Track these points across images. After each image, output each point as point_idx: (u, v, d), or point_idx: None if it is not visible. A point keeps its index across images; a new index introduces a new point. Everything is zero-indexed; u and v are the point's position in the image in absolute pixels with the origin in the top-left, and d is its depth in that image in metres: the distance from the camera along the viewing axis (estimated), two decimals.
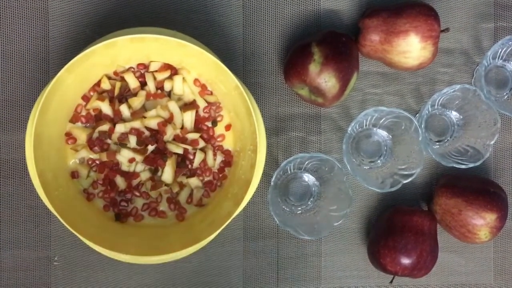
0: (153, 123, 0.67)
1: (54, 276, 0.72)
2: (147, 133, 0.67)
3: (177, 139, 0.68)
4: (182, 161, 0.68)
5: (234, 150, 0.69)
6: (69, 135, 0.67)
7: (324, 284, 0.75)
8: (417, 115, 0.74)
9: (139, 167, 0.68)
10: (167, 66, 0.67)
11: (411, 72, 0.75)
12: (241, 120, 0.65)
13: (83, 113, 0.67)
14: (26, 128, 0.64)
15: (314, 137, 0.74)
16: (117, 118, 0.67)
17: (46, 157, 0.63)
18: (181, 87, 0.68)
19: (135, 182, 0.68)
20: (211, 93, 0.68)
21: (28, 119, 0.64)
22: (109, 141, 0.67)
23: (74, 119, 0.67)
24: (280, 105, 0.74)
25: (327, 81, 0.67)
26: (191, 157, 0.68)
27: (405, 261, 0.69)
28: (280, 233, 0.74)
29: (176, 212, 0.69)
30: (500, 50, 0.74)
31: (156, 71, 0.67)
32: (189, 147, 0.68)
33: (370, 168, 0.74)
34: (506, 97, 0.76)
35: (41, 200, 0.65)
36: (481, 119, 0.72)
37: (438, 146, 0.75)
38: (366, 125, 0.73)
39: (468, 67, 0.76)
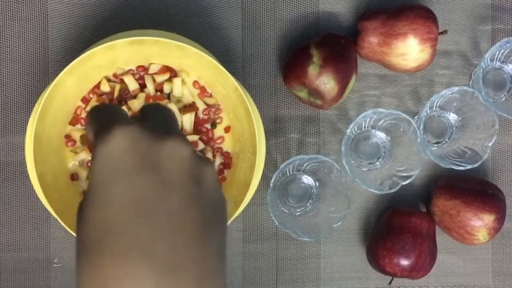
0: None
1: (53, 278, 0.72)
2: None
3: None
4: None
5: (233, 152, 0.69)
6: (68, 137, 0.67)
7: (323, 285, 0.75)
8: (416, 117, 0.75)
9: None
10: (166, 68, 0.67)
11: (409, 74, 0.75)
12: (241, 122, 0.66)
13: (83, 115, 0.67)
14: (25, 130, 0.64)
15: (313, 139, 0.75)
16: None
17: (45, 159, 0.63)
18: (180, 89, 0.68)
19: None
20: (211, 95, 0.68)
21: (27, 121, 0.64)
22: None
23: (73, 121, 0.67)
24: (279, 107, 0.74)
25: (326, 83, 0.67)
26: None
27: (404, 262, 0.69)
28: (279, 234, 0.74)
29: None
30: (497, 52, 0.74)
31: (155, 73, 0.68)
32: None
33: (369, 169, 0.74)
34: (504, 98, 0.76)
35: (41, 202, 0.65)
36: (479, 120, 0.72)
37: (436, 148, 0.75)
38: (364, 127, 0.73)
39: (466, 69, 0.76)
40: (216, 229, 0.38)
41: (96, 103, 0.67)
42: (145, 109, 0.43)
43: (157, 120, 0.41)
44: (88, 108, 0.67)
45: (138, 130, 0.38)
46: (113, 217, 0.36)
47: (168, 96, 0.68)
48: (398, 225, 0.70)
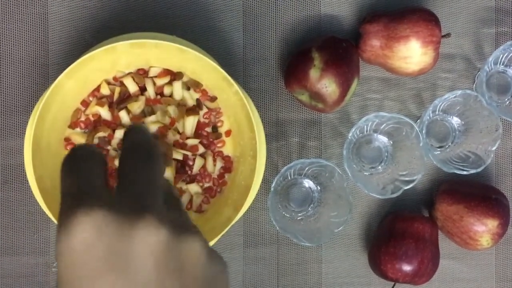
0: (152, 129, 0.67)
1: (53, 282, 0.72)
2: None
3: (176, 145, 0.67)
4: (182, 167, 0.68)
5: (234, 156, 0.69)
6: (68, 141, 0.66)
7: None
8: (418, 120, 0.74)
9: None
10: (166, 72, 0.67)
11: (412, 77, 0.74)
12: (241, 125, 0.65)
13: (83, 118, 0.67)
14: (25, 134, 0.64)
15: (315, 142, 0.74)
16: (116, 123, 0.67)
17: (44, 162, 0.62)
18: (181, 92, 0.67)
19: None
20: (211, 99, 0.68)
21: (27, 124, 0.63)
22: (108, 147, 0.67)
23: (73, 125, 0.67)
24: (280, 110, 0.74)
25: (328, 86, 0.67)
26: (191, 163, 0.68)
27: (406, 268, 0.68)
28: (280, 239, 0.74)
29: None
30: (501, 56, 0.73)
31: (155, 76, 0.67)
32: (189, 153, 0.67)
33: (371, 174, 0.74)
34: (507, 102, 0.76)
35: (40, 206, 0.65)
36: (482, 125, 0.71)
37: (439, 152, 0.74)
38: (366, 131, 0.73)
39: (470, 72, 0.76)
40: None
41: (96, 107, 0.66)
42: (127, 145, 0.37)
43: (135, 185, 0.35)
44: (88, 111, 0.66)
45: (103, 217, 0.33)
46: None
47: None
48: (401, 230, 0.69)
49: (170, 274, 0.33)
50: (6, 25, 0.71)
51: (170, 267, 0.33)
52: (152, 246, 0.33)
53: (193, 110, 0.68)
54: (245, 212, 0.66)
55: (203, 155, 0.68)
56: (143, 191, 0.35)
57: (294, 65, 0.68)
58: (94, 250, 0.32)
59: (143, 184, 0.35)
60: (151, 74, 0.67)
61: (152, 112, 0.67)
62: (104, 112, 0.66)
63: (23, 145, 0.64)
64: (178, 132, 0.67)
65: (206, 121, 0.68)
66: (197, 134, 0.68)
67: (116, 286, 0.32)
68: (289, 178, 0.73)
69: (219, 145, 0.68)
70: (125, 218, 0.33)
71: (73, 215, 0.33)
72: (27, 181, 0.63)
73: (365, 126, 0.72)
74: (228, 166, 0.69)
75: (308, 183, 0.74)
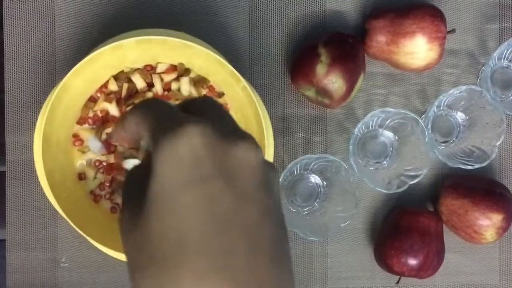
0: None
1: (61, 277, 0.72)
2: None
3: None
4: None
5: None
6: (76, 137, 0.67)
7: (330, 284, 0.75)
8: (423, 116, 0.74)
9: None
10: (174, 68, 0.67)
11: (417, 73, 0.75)
12: (248, 121, 0.65)
13: (90, 114, 0.67)
14: (33, 130, 0.64)
15: (320, 138, 0.75)
16: None
17: (53, 158, 0.63)
18: (188, 88, 0.68)
19: None
20: (219, 95, 0.68)
21: (35, 120, 0.64)
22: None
23: (81, 121, 0.67)
24: (286, 106, 0.74)
25: (334, 82, 0.67)
26: None
27: (412, 262, 0.69)
28: None
29: None
30: (505, 51, 0.74)
31: (163, 72, 0.67)
32: None
33: (376, 169, 0.74)
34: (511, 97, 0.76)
35: (49, 202, 0.65)
36: (487, 119, 0.72)
37: (444, 147, 0.75)
38: (372, 126, 0.73)
39: (474, 68, 0.76)
40: (288, 248, 0.34)
41: (104, 103, 0.66)
42: (195, 104, 0.37)
43: (217, 118, 0.35)
44: (96, 107, 0.67)
45: (212, 130, 0.33)
46: (187, 230, 0.32)
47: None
48: (406, 224, 0.70)
49: (267, 193, 0.34)
50: (14, 21, 0.71)
51: (267, 187, 0.34)
52: (252, 164, 0.33)
53: None
54: None
55: None
56: (228, 120, 0.36)
57: (300, 61, 0.69)
58: (202, 156, 0.32)
59: (226, 115, 0.37)
60: (158, 70, 0.67)
61: None
62: (112, 108, 0.67)
63: (32, 141, 0.64)
64: None
65: None
66: None
67: (225, 192, 0.32)
68: (295, 173, 0.73)
69: None
70: (226, 137, 0.33)
71: (182, 127, 0.32)
72: (36, 176, 0.64)
73: (371, 122, 0.72)
74: None
75: (314, 178, 0.74)
